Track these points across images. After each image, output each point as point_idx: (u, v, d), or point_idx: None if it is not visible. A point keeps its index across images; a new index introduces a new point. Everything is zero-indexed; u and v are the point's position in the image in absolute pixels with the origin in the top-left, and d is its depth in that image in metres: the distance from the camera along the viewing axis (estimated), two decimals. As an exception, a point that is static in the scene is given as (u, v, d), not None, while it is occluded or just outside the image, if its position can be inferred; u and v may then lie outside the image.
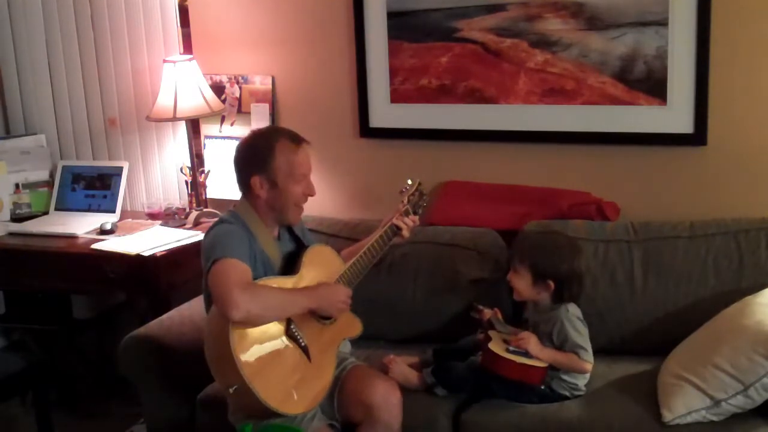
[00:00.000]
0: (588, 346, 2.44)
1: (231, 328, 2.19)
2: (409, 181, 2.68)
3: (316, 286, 2.41)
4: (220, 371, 2.27)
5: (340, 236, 2.97)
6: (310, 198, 2.48)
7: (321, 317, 2.44)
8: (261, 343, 2.26)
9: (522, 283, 2.49)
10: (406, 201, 2.62)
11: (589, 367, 2.43)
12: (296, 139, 2.44)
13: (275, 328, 2.31)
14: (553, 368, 2.42)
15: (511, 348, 2.41)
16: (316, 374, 2.37)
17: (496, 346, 2.43)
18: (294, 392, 2.28)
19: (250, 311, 2.19)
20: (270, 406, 2.20)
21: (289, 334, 2.33)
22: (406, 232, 2.57)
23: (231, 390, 2.21)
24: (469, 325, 2.60)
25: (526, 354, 2.40)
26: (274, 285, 2.34)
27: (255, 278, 2.32)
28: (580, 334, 2.44)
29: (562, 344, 2.43)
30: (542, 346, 2.42)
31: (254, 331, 2.25)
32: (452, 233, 2.91)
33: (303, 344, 2.35)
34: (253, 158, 2.42)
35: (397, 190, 2.66)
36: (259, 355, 2.24)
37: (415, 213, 2.63)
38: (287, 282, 2.39)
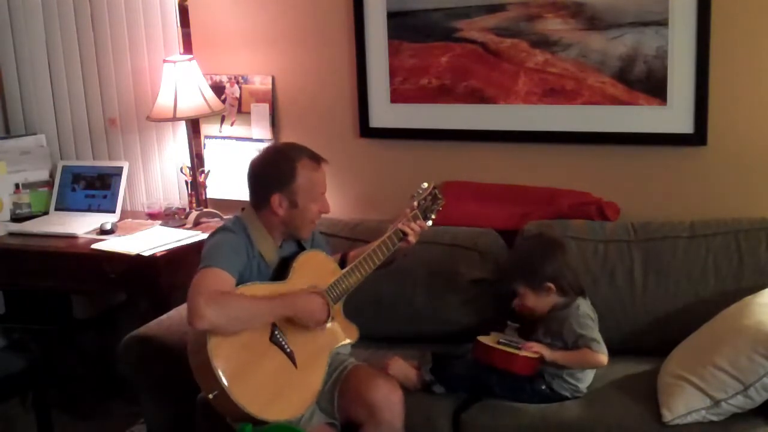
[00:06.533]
0: (599, 337, 2.42)
1: (208, 334, 2.18)
2: (424, 185, 2.63)
3: (292, 295, 2.36)
4: (201, 378, 2.25)
5: (339, 236, 2.97)
6: None
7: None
8: (240, 349, 2.23)
9: (530, 301, 2.49)
10: (416, 205, 2.59)
11: (604, 359, 2.40)
12: (316, 158, 2.44)
13: (257, 334, 2.28)
14: (556, 367, 2.42)
15: (501, 340, 2.43)
16: (303, 380, 2.34)
17: (486, 339, 2.45)
18: (277, 398, 2.26)
19: (214, 322, 2.16)
20: (250, 412, 2.18)
21: (272, 339, 2.31)
22: (412, 238, 2.53)
23: (211, 396, 2.20)
24: (469, 325, 2.60)
25: (518, 347, 2.40)
26: (258, 292, 2.30)
27: (247, 282, 2.32)
28: (589, 327, 2.42)
29: (575, 343, 2.42)
30: (552, 350, 2.41)
31: (233, 337, 2.22)
32: (452, 233, 2.90)
33: (288, 350, 2.33)
34: (274, 176, 2.40)
35: (396, 190, 2.66)
36: (238, 361, 2.22)
37: (426, 218, 2.60)
38: (272, 288, 2.36)
